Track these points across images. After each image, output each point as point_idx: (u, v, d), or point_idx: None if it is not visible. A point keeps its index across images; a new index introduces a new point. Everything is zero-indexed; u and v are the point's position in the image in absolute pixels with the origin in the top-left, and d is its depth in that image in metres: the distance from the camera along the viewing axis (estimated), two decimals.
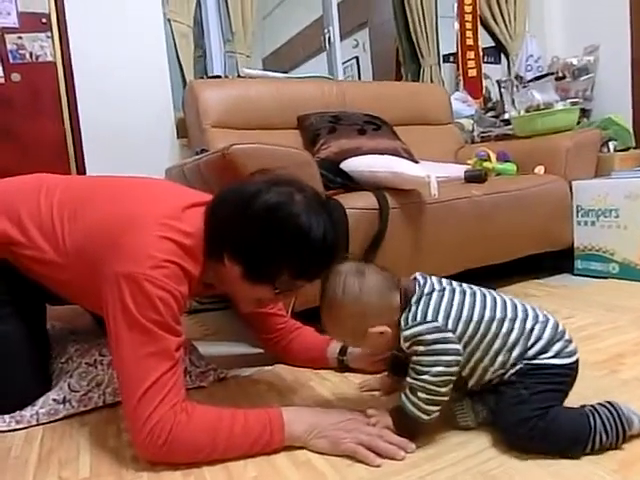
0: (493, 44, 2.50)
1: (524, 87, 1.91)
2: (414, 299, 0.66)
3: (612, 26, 2.17)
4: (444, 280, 0.71)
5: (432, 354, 0.63)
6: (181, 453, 0.64)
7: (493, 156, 1.58)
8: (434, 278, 0.70)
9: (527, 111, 1.76)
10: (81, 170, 1.61)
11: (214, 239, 0.72)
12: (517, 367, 0.64)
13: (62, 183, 0.87)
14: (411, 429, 0.66)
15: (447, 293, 0.67)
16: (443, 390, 0.63)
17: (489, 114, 2.09)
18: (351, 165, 1.33)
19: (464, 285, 0.70)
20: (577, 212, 1.51)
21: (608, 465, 0.57)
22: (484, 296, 0.68)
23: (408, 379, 0.65)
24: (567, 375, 0.64)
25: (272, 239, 0.67)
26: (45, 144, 1.56)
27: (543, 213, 1.45)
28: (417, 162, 1.44)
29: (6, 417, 0.82)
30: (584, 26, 2.31)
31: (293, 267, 0.69)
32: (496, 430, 0.65)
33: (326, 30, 2.25)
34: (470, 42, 2.35)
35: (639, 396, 0.74)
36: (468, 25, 2.36)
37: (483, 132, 2.00)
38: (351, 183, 1.31)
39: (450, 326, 0.64)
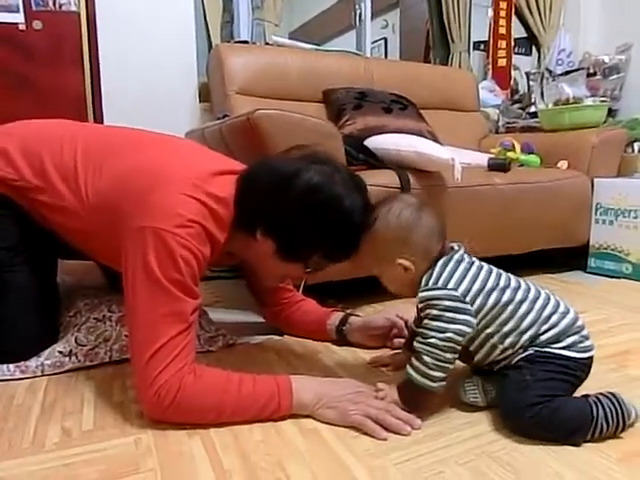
0: (525, 35, 2.44)
1: (554, 80, 1.87)
2: (442, 261, 0.66)
3: None
4: (474, 258, 0.71)
5: (444, 320, 0.63)
6: (187, 414, 0.64)
7: (518, 146, 1.56)
8: (466, 253, 0.70)
9: (555, 104, 1.73)
10: (99, 123, 1.59)
11: (248, 213, 0.70)
12: (527, 352, 0.64)
13: (86, 130, 0.86)
14: (417, 402, 0.66)
15: (474, 267, 0.67)
16: (448, 356, 0.63)
17: (515, 105, 2.05)
18: (376, 142, 1.32)
19: (491, 266, 0.70)
20: (596, 210, 1.50)
21: (612, 454, 0.59)
22: (509, 278, 0.68)
23: (415, 344, 0.66)
24: (577, 369, 0.64)
25: (312, 220, 0.66)
26: (63, 95, 1.55)
27: (563, 208, 1.45)
28: (442, 145, 1.43)
29: (11, 366, 0.81)
30: (619, 24, 2.25)
31: (329, 248, 0.69)
32: (500, 413, 0.66)
33: (357, 7, 2.20)
34: (503, 31, 2.29)
35: None
36: (502, 13, 2.30)
37: (508, 123, 1.97)
38: (374, 160, 1.30)
39: (469, 298, 0.64)
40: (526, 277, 1.40)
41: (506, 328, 0.65)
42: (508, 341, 0.65)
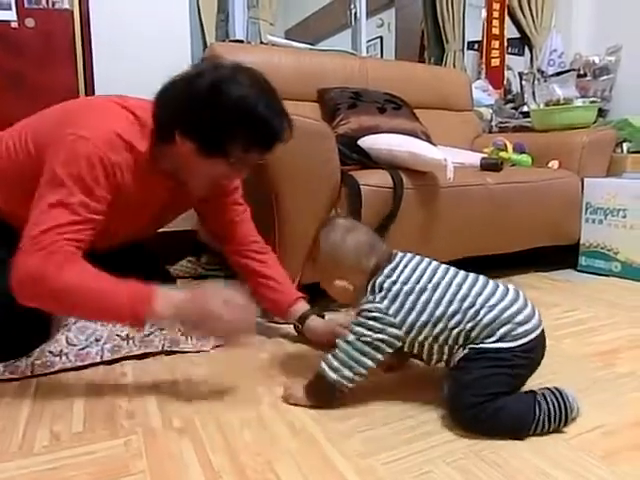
0: (518, 35, 2.46)
1: (545, 81, 1.89)
2: (372, 280, 0.69)
3: (636, 29, 2.14)
4: (419, 260, 0.71)
5: (365, 327, 0.67)
6: (43, 296, 0.67)
7: (510, 146, 1.57)
8: (410, 263, 0.70)
9: (547, 105, 1.75)
10: None
11: (164, 120, 0.75)
12: (464, 352, 0.65)
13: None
14: (321, 395, 0.69)
15: (402, 277, 0.68)
16: (362, 359, 0.66)
17: (508, 105, 2.07)
18: (369, 142, 1.32)
19: (430, 269, 0.69)
20: (586, 209, 1.52)
21: (596, 452, 0.60)
22: (448, 285, 0.67)
23: (336, 340, 0.70)
24: (514, 358, 0.64)
25: (217, 110, 0.70)
26: (56, 93, 1.52)
27: (554, 207, 1.46)
28: (435, 145, 1.43)
29: (0, 366, 0.81)
30: (609, 26, 2.28)
31: (241, 136, 0.72)
32: (447, 412, 0.67)
33: (352, 6, 2.20)
34: (496, 31, 2.31)
35: (631, 389, 0.77)
36: (495, 14, 2.32)
37: (501, 122, 1.99)
38: (367, 160, 1.30)
39: (392, 311, 0.66)
40: (518, 275, 1.48)
41: (437, 329, 0.66)
42: (442, 338, 0.66)
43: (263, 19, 1.88)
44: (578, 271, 1.55)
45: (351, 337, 0.68)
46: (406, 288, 0.67)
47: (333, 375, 0.67)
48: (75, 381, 0.80)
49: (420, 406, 0.71)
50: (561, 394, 0.64)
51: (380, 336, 0.66)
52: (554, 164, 1.55)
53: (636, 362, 0.86)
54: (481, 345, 0.64)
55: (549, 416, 0.62)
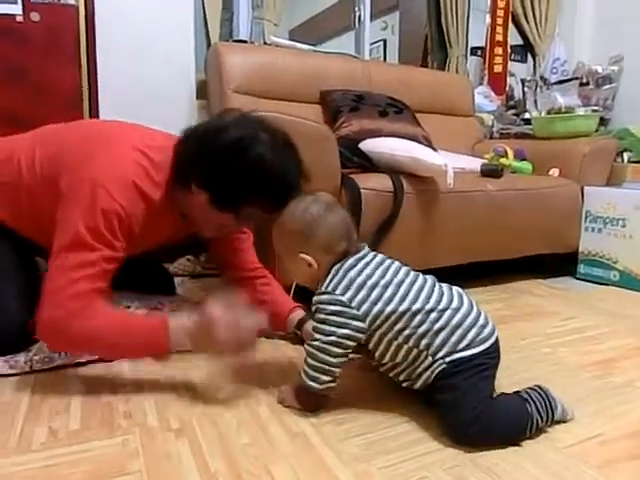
0: (521, 42, 2.47)
1: (548, 89, 1.90)
2: (337, 265, 0.68)
3: (639, 39, 2.15)
4: (384, 258, 0.70)
5: (328, 324, 0.65)
6: (67, 342, 0.72)
7: (510, 153, 1.58)
8: (376, 258, 0.69)
9: (548, 113, 1.76)
10: (94, 118, 1.58)
11: (182, 168, 0.77)
12: (439, 368, 0.64)
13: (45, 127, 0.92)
14: (310, 402, 0.69)
15: (368, 270, 0.67)
16: (332, 359, 0.65)
17: (510, 112, 2.07)
18: (370, 146, 1.33)
19: (394, 266, 0.69)
20: (586, 217, 1.53)
21: (593, 462, 0.60)
22: (411, 284, 0.67)
23: (304, 346, 0.69)
24: (487, 359, 0.65)
25: (236, 169, 0.72)
26: (59, 88, 1.52)
27: (554, 215, 1.47)
28: (436, 150, 1.44)
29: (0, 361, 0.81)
30: (612, 36, 2.29)
31: (254, 197, 0.74)
32: (444, 433, 0.64)
33: (357, 8, 2.21)
34: (499, 38, 2.31)
35: (629, 399, 0.77)
36: (499, 21, 2.33)
37: (502, 129, 1.99)
38: (368, 164, 1.31)
39: (355, 303, 0.65)
40: (516, 282, 1.49)
41: (404, 333, 0.65)
42: (404, 335, 0.65)
43: (267, 19, 1.88)
44: (577, 279, 1.55)
45: (317, 341, 0.66)
46: (371, 281, 0.66)
47: (313, 384, 0.67)
48: (73, 378, 0.80)
49: (416, 411, 0.71)
50: (542, 389, 0.65)
51: (344, 331, 0.65)
52: (554, 172, 1.56)
53: (634, 372, 0.87)
54: (452, 357, 0.63)
55: (539, 412, 0.63)
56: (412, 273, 0.70)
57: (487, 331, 0.66)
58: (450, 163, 1.21)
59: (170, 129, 1.74)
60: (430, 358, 0.64)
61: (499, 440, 0.62)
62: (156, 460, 0.59)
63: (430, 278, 0.71)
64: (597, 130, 1.79)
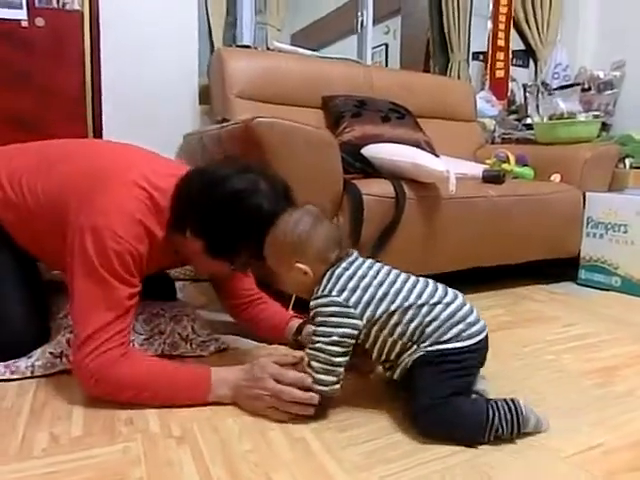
0: (523, 47, 2.48)
1: (549, 94, 1.90)
2: (330, 270, 0.70)
3: None
4: (372, 262, 0.73)
5: (329, 325, 0.67)
6: (108, 391, 0.71)
7: (512, 159, 1.58)
8: (367, 261, 0.72)
9: (550, 118, 1.76)
10: (97, 124, 1.59)
11: (180, 214, 0.76)
12: (418, 354, 0.66)
13: (36, 144, 0.92)
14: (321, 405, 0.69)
15: (360, 272, 0.70)
16: (336, 359, 0.67)
17: (511, 116, 2.08)
18: (372, 151, 1.33)
19: (385, 268, 0.72)
20: (587, 223, 1.53)
21: (595, 472, 0.60)
22: (403, 282, 0.70)
23: (306, 350, 0.70)
24: (467, 358, 0.66)
25: (234, 222, 0.72)
26: (63, 93, 1.53)
27: (555, 220, 1.47)
28: (438, 156, 1.44)
29: (0, 366, 0.81)
30: (615, 41, 2.29)
31: (251, 249, 0.74)
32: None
33: (359, 13, 2.22)
34: (501, 43, 2.32)
35: (632, 407, 0.76)
36: (501, 26, 2.34)
37: (504, 134, 2.00)
38: (370, 169, 1.31)
39: (351, 303, 0.67)
40: (518, 287, 1.49)
41: (398, 329, 0.67)
42: (397, 331, 0.67)
43: (271, 25, 1.90)
44: (578, 284, 1.55)
45: (318, 343, 0.67)
46: (365, 281, 0.69)
47: (319, 387, 0.67)
48: (74, 383, 0.78)
49: None
50: (513, 403, 0.65)
51: (344, 330, 0.67)
52: (556, 177, 1.56)
53: (636, 380, 0.86)
54: (436, 347, 0.65)
55: (501, 422, 0.63)
56: (403, 274, 0.72)
57: (475, 329, 0.68)
58: (452, 169, 1.21)
59: (173, 134, 1.75)
60: (415, 346, 0.67)
61: (449, 437, 0.64)
62: (158, 467, 0.59)
63: (422, 279, 0.72)
64: (599, 136, 1.79)
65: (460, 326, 0.67)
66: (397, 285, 0.69)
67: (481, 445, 0.64)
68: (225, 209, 0.71)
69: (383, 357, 0.70)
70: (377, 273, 0.70)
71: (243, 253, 0.75)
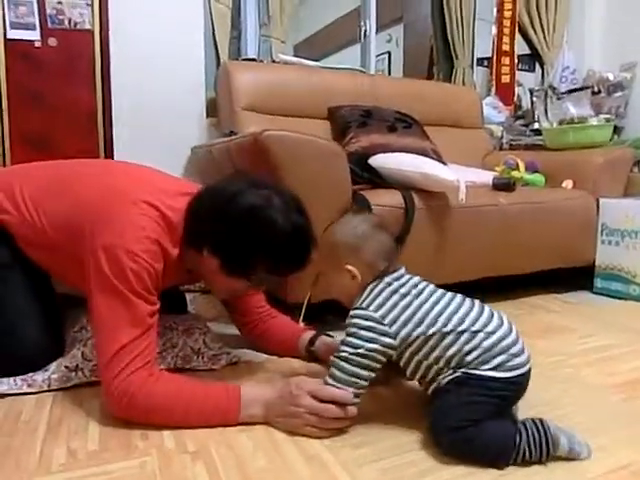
0: (529, 52, 2.46)
1: (558, 99, 1.88)
2: (373, 284, 0.70)
3: None
4: (420, 279, 0.72)
5: (358, 337, 0.67)
6: (140, 413, 0.70)
7: (522, 165, 1.56)
8: (412, 279, 0.71)
9: (560, 123, 1.74)
10: (108, 139, 1.62)
11: (194, 234, 0.77)
12: (455, 375, 0.64)
13: (49, 164, 0.93)
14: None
15: (403, 290, 0.68)
16: (360, 371, 0.66)
17: (518, 122, 2.06)
18: (380, 161, 1.33)
19: (430, 288, 0.70)
20: (602, 230, 1.50)
21: None
22: (447, 305, 0.68)
23: (330, 357, 0.70)
24: (504, 389, 0.64)
25: (249, 238, 0.72)
26: (76, 110, 1.57)
27: (568, 228, 1.44)
28: (446, 164, 1.43)
29: (18, 380, 0.82)
30: (623, 42, 2.27)
31: (267, 265, 0.74)
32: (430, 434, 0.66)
33: (362, 22, 2.23)
34: (506, 48, 2.31)
35: None
36: (506, 30, 2.33)
37: (512, 140, 1.98)
38: (378, 179, 1.31)
39: (387, 321, 0.66)
40: (531, 297, 1.45)
41: (434, 354, 0.66)
42: (433, 355, 0.66)
43: (275, 37, 1.92)
44: (594, 293, 1.51)
45: (344, 352, 0.67)
46: (405, 301, 0.67)
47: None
48: (91, 397, 0.80)
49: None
50: (542, 423, 0.63)
51: (374, 346, 0.66)
52: (568, 184, 1.53)
53: None
54: (475, 371, 0.64)
55: (529, 445, 0.61)
56: (448, 294, 0.70)
57: (518, 361, 0.65)
58: (461, 177, 1.20)
59: (182, 147, 1.77)
60: (451, 370, 0.65)
61: (473, 459, 0.62)
62: None
63: (469, 300, 0.70)
64: (611, 139, 1.76)
65: (502, 357, 0.64)
66: (439, 307, 0.67)
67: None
68: (240, 225, 0.72)
69: (417, 378, 0.69)
70: (420, 293, 0.69)
71: (259, 269, 0.75)
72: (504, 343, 0.65)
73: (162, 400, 0.70)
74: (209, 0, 1.79)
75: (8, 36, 1.48)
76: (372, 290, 0.69)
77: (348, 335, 0.68)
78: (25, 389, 0.81)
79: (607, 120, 1.82)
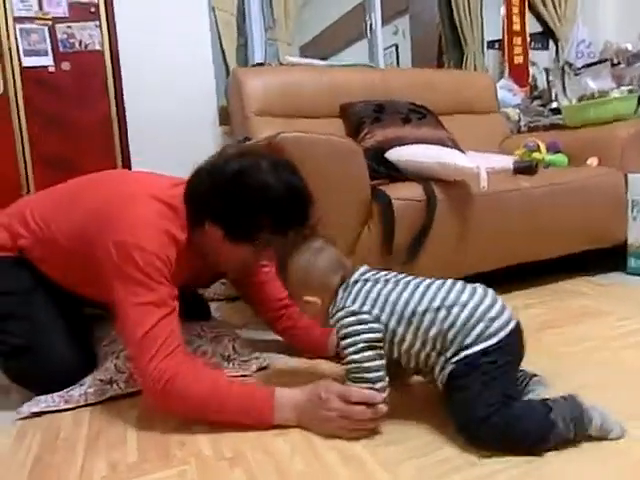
0: (540, 29, 2.39)
1: (576, 74, 1.81)
2: (341, 288, 0.72)
3: None
4: (383, 273, 0.73)
5: (351, 335, 0.68)
6: (175, 403, 0.71)
7: (543, 146, 1.51)
8: (381, 272, 0.73)
9: (580, 99, 1.67)
10: (125, 156, 1.66)
11: (194, 208, 0.79)
12: (448, 369, 0.64)
13: (59, 185, 0.97)
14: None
15: (370, 282, 0.71)
16: (370, 365, 0.66)
17: (535, 103, 2.00)
18: (397, 154, 1.31)
19: (398, 277, 0.72)
20: (632, 207, 1.43)
21: None
22: (416, 286, 0.69)
23: (342, 367, 0.70)
24: (499, 355, 0.63)
25: (244, 202, 0.74)
26: (92, 132, 1.62)
27: (596, 207, 1.39)
28: (463, 152, 1.40)
29: (55, 397, 0.84)
30: (639, 10, 2.17)
31: (268, 224, 0.75)
32: (455, 430, 0.64)
33: (368, 17, 2.21)
34: (517, 27, 2.25)
35: None
36: (515, 9, 2.26)
37: (530, 122, 1.92)
38: (396, 173, 1.29)
39: (365, 309, 0.68)
40: (559, 282, 1.40)
41: (418, 339, 0.66)
42: (419, 340, 0.66)
43: (281, 40, 1.92)
44: (627, 274, 1.44)
45: (348, 356, 0.67)
46: (375, 289, 0.69)
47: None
48: (126, 409, 0.82)
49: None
50: (574, 399, 0.61)
51: (367, 336, 0.67)
52: (593, 161, 1.48)
53: None
54: (460, 355, 0.63)
55: (565, 423, 0.59)
56: (416, 279, 0.71)
57: (497, 324, 0.64)
58: (482, 165, 1.17)
59: (197, 156, 1.79)
60: (442, 358, 0.65)
61: (513, 447, 0.60)
62: None
63: (437, 280, 0.71)
64: (635, 112, 1.69)
65: (480, 326, 0.64)
66: (409, 289, 0.69)
67: (546, 452, 0.60)
68: (232, 190, 0.74)
69: (412, 366, 0.69)
70: (387, 281, 0.71)
71: (262, 230, 0.76)
72: (480, 310, 0.65)
73: (198, 390, 0.70)
74: (214, 9, 1.81)
75: (23, 64, 1.54)
76: (343, 292, 0.71)
77: (341, 339, 0.69)
78: (63, 405, 0.83)
79: (630, 91, 1.73)
